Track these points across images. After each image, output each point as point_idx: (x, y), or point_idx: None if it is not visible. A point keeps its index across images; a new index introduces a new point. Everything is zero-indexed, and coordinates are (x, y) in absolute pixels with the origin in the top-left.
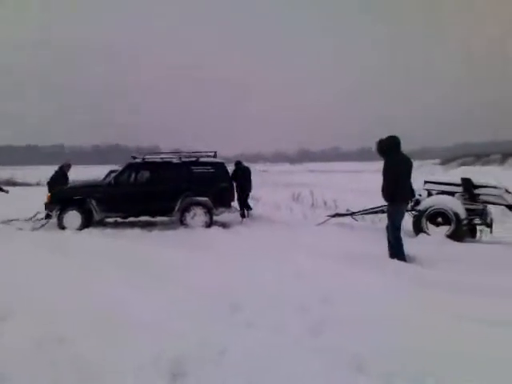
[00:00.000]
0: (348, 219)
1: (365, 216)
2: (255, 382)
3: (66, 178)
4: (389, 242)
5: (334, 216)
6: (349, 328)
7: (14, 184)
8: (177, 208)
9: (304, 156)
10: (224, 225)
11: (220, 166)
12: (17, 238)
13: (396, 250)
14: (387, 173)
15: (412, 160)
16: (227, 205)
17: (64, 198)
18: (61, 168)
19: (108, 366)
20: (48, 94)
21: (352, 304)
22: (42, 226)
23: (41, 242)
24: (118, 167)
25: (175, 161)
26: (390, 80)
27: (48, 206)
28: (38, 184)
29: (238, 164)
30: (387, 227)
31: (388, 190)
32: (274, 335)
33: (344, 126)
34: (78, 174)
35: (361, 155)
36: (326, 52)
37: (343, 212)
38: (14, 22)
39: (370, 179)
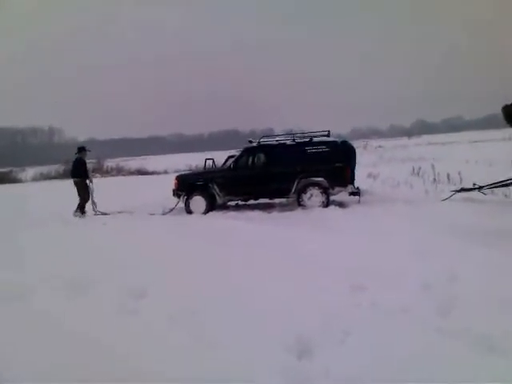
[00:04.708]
0: (476, 193)
1: (494, 189)
2: (380, 362)
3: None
4: None
5: (459, 191)
6: (477, 308)
7: (145, 173)
8: (293, 189)
9: (423, 128)
10: (341, 204)
11: (334, 145)
12: (150, 222)
13: None
14: None
15: None
16: (344, 184)
17: (189, 184)
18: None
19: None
20: (167, 84)
21: (480, 283)
22: (171, 210)
23: (171, 225)
24: (235, 152)
25: (289, 142)
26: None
27: (175, 192)
28: (165, 172)
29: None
30: None
31: None
32: (399, 315)
33: (467, 91)
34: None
35: (486, 123)
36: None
37: (469, 186)
38: None
39: (497, 149)
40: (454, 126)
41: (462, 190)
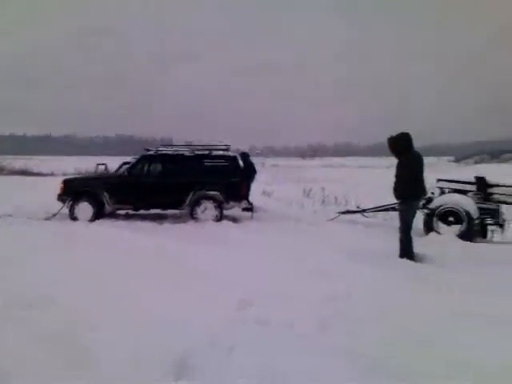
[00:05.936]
0: (359, 216)
1: (376, 213)
2: (264, 380)
3: None
4: (400, 242)
5: (344, 213)
6: (359, 326)
7: (28, 174)
8: (187, 201)
9: (316, 150)
10: (234, 219)
11: (233, 160)
12: (27, 227)
13: (406, 249)
14: (399, 171)
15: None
16: (238, 199)
17: (76, 189)
18: None
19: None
20: (61, 82)
21: (360, 302)
22: (54, 215)
23: (54, 232)
24: (130, 159)
25: (188, 153)
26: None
27: (60, 197)
28: (52, 174)
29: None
30: (400, 228)
31: (400, 189)
32: (285, 332)
33: (356, 121)
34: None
35: (374, 151)
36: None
37: (354, 209)
38: None
39: (382, 175)
40: (345, 150)
41: (347, 211)
